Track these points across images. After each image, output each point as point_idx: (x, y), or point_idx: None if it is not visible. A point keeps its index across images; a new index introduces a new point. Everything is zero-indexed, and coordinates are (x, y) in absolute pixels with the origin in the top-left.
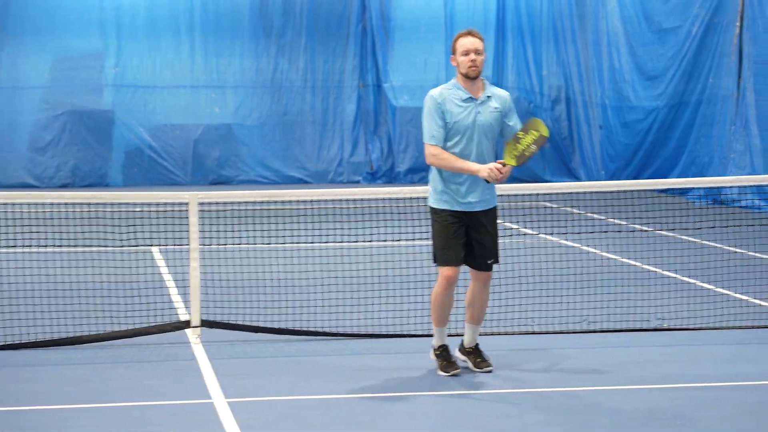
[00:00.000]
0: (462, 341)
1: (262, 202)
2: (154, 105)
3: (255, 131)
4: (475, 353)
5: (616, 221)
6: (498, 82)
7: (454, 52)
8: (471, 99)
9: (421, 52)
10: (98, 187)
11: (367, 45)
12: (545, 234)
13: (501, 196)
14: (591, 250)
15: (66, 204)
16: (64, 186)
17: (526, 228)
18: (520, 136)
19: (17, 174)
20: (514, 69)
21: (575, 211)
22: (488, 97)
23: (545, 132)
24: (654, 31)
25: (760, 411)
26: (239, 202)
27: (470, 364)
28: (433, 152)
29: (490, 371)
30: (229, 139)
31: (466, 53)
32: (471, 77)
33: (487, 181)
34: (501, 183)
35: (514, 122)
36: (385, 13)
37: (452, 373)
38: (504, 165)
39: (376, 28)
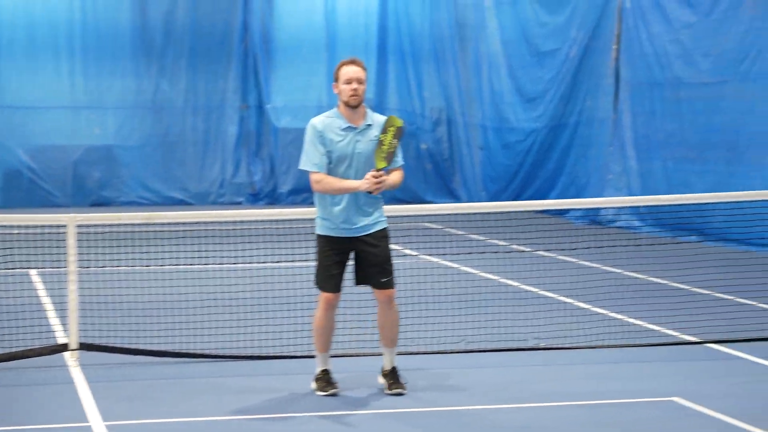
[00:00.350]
0: (382, 365)
1: (142, 224)
2: (33, 126)
3: (136, 152)
4: (390, 376)
5: (497, 242)
6: (380, 104)
7: (336, 80)
8: (351, 128)
9: (303, 74)
10: None
11: (249, 66)
12: (426, 255)
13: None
14: (471, 270)
15: None
16: None
17: (406, 249)
18: (382, 138)
19: None
20: (395, 90)
21: (456, 231)
22: (368, 125)
23: (400, 123)
24: (533, 54)
25: (633, 430)
26: (119, 224)
27: (385, 387)
28: (316, 179)
29: (400, 394)
30: (110, 161)
31: (349, 82)
32: (352, 106)
33: (371, 193)
34: (393, 190)
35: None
36: (267, 35)
37: (330, 392)
38: (378, 171)
39: (258, 49)
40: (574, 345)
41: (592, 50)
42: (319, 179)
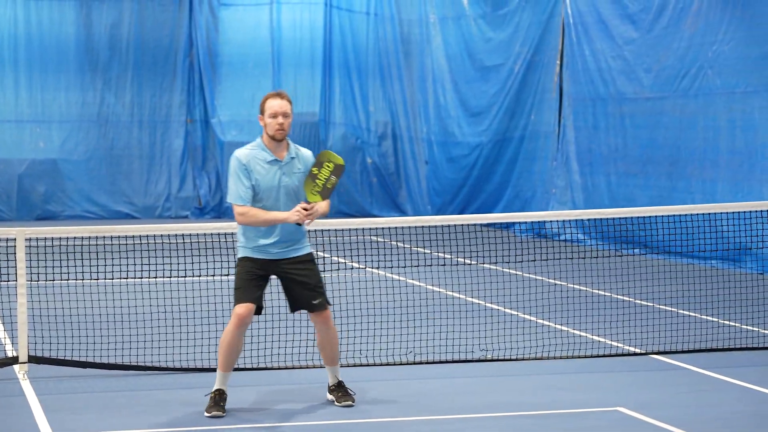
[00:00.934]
0: (328, 382)
1: (89, 237)
2: None
3: (81, 166)
4: (337, 389)
5: (442, 255)
6: (325, 118)
7: (262, 112)
8: (275, 161)
9: (249, 88)
10: None
11: (194, 80)
12: (371, 268)
13: (329, 231)
14: (417, 283)
15: None
16: None
17: (353, 262)
18: (315, 172)
19: None
20: (341, 105)
21: (403, 245)
22: (292, 158)
23: (340, 161)
24: (477, 69)
25: None
26: (66, 237)
27: (334, 401)
28: (240, 212)
29: (350, 405)
30: (55, 174)
31: (274, 116)
32: (277, 140)
33: (299, 224)
34: (320, 218)
35: None
36: (212, 49)
37: (214, 414)
38: (309, 203)
39: (203, 63)
40: (521, 357)
41: (535, 65)
42: (244, 212)
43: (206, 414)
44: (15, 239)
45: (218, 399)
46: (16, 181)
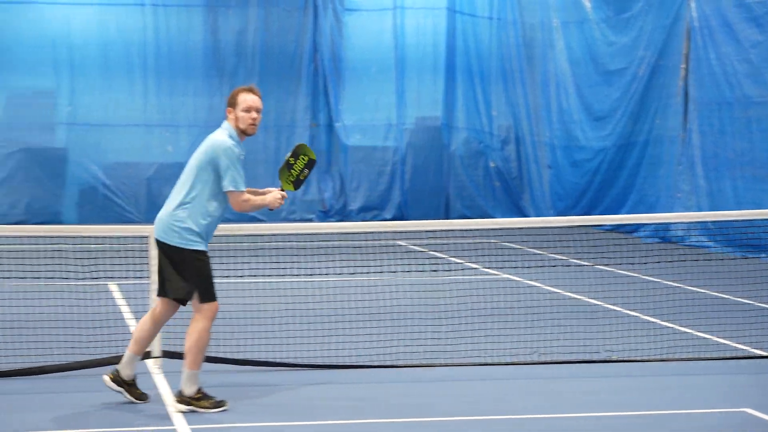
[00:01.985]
0: (116, 370)
1: (223, 236)
2: (107, 143)
3: None
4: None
5: (566, 258)
6: (448, 123)
7: (233, 105)
8: (241, 154)
9: (372, 92)
10: (52, 224)
11: (318, 85)
12: (495, 270)
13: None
14: (538, 284)
15: (21, 239)
16: (17, 223)
17: (475, 264)
18: (291, 162)
19: None
20: (463, 109)
21: (526, 248)
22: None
23: (313, 156)
24: (600, 73)
25: None
26: None
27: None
28: (245, 198)
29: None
30: None
31: (248, 110)
32: (248, 134)
33: (270, 209)
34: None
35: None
36: (336, 54)
37: (226, 406)
38: (283, 191)
39: (327, 68)
40: (645, 358)
41: (660, 69)
42: (247, 198)
43: (220, 408)
44: (148, 237)
45: (210, 396)
46: (144, 185)
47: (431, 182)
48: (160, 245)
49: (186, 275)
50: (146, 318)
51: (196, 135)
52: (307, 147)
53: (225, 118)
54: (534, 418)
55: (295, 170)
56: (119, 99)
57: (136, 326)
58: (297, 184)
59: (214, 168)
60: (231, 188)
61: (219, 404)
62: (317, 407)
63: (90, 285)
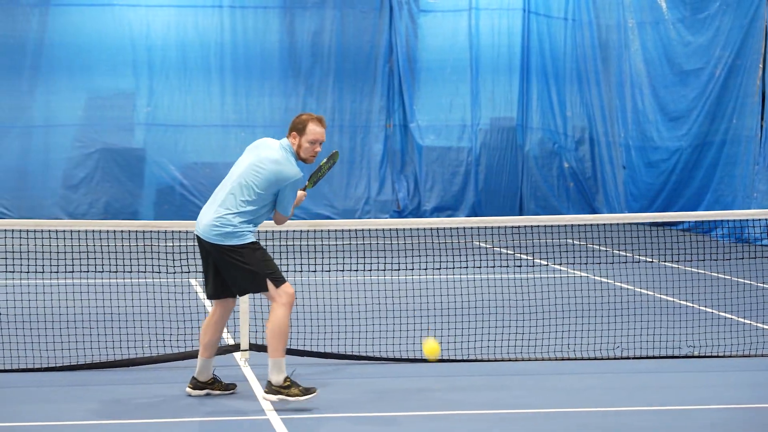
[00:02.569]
0: (194, 377)
1: (309, 231)
2: (185, 144)
3: None
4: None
5: (643, 257)
6: (523, 123)
7: (299, 132)
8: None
9: (447, 93)
10: (110, 221)
11: (393, 86)
12: (571, 268)
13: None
14: (613, 282)
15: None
16: (76, 220)
17: (556, 264)
18: (322, 165)
19: (51, 211)
20: (538, 110)
21: (599, 247)
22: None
23: (336, 157)
24: (676, 73)
25: None
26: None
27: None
28: (289, 216)
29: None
30: None
31: (314, 142)
32: (307, 164)
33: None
34: None
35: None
36: (411, 55)
37: (317, 392)
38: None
39: (402, 69)
40: (727, 354)
41: (737, 69)
42: (289, 214)
43: (311, 395)
44: None
45: (297, 383)
46: None
47: (505, 182)
48: (215, 247)
49: (252, 267)
50: (207, 323)
51: (272, 135)
52: (336, 154)
53: (287, 135)
54: (616, 411)
55: (322, 173)
56: (197, 100)
57: (200, 334)
58: (315, 182)
59: (276, 191)
60: (281, 212)
61: (308, 391)
62: (405, 399)
63: (172, 281)
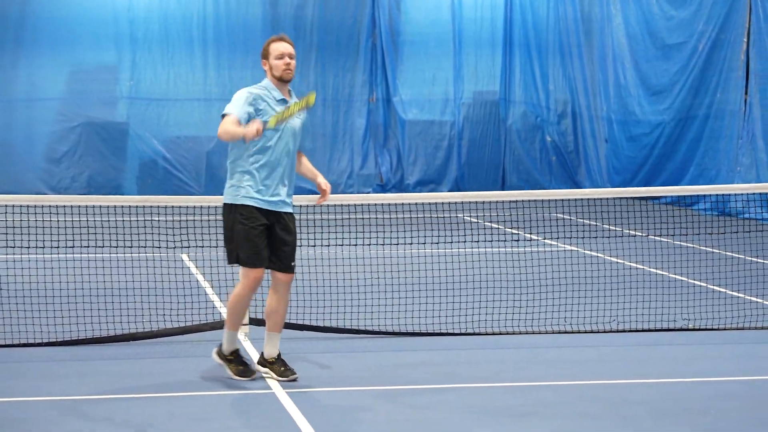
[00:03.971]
0: (262, 353)
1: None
2: (168, 117)
3: None
4: (279, 362)
5: (629, 231)
6: (505, 97)
7: (266, 57)
8: (284, 101)
9: (430, 67)
10: (105, 196)
11: (376, 60)
12: (561, 243)
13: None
14: (604, 256)
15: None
16: (70, 195)
17: (536, 236)
18: (291, 105)
19: (33, 184)
20: (521, 83)
21: (585, 221)
22: (295, 102)
23: (312, 101)
24: (658, 47)
25: None
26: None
27: (274, 375)
28: (223, 122)
29: (295, 380)
30: None
31: (281, 56)
32: (285, 80)
33: (245, 141)
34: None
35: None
36: (394, 29)
37: (251, 377)
38: (266, 126)
39: (385, 43)
40: (722, 327)
41: (721, 43)
42: (229, 120)
43: (244, 378)
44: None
45: (241, 360)
46: (204, 158)
47: (488, 156)
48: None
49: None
50: (270, 293)
51: None
52: (313, 95)
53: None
54: (612, 384)
55: (290, 112)
56: (180, 73)
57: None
58: (281, 121)
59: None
60: (223, 112)
61: (243, 373)
62: (408, 372)
63: (164, 256)
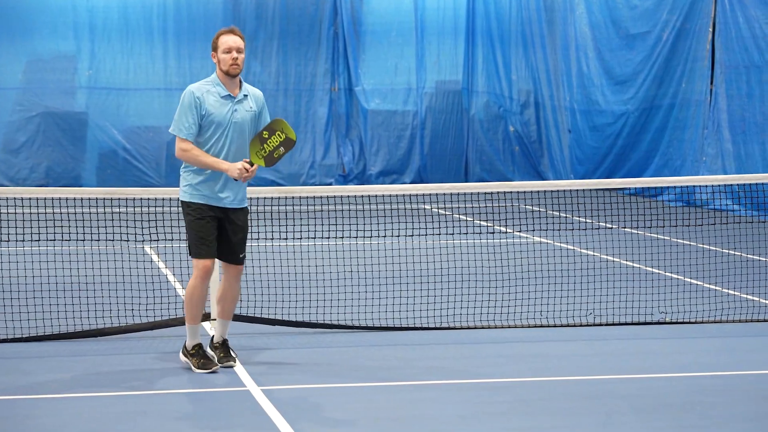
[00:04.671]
0: (212, 337)
1: (278, 198)
2: (127, 107)
3: None
4: (221, 348)
5: (586, 220)
6: (468, 86)
7: (215, 49)
8: (229, 96)
9: (392, 56)
10: (73, 188)
11: (339, 49)
12: (529, 234)
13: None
14: (574, 248)
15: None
16: (38, 187)
17: (505, 227)
18: (265, 137)
19: None
20: (483, 73)
21: (551, 212)
22: (245, 96)
23: (292, 135)
24: (622, 37)
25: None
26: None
27: (215, 359)
28: (183, 147)
29: (232, 366)
30: None
31: (228, 51)
32: (232, 75)
33: (235, 179)
34: (249, 181)
35: (266, 121)
36: (356, 18)
37: (212, 369)
38: (251, 164)
39: (347, 32)
40: (699, 320)
41: (686, 33)
42: (187, 148)
43: (204, 371)
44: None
45: (203, 353)
46: (165, 149)
47: (451, 146)
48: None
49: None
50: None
51: None
52: (286, 125)
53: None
54: (594, 379)
55: (269, 146)
56: (139, 63)
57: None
58: (270, 160)
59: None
60: (171, 131)
61: (205, 366)
62: (385, 368)
63: (127, 248)
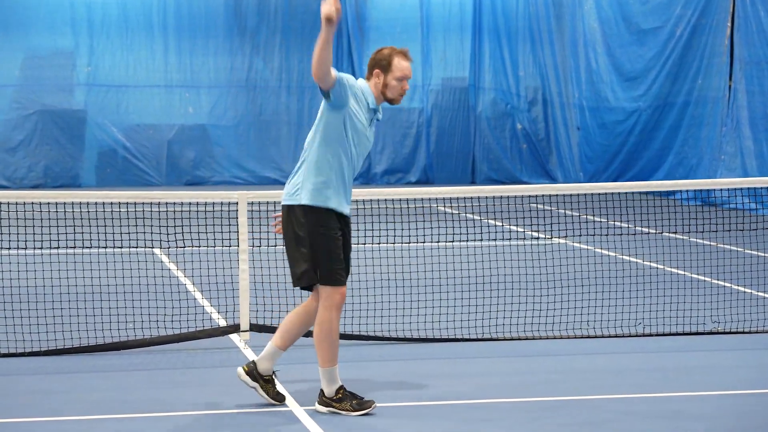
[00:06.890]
0: (253, 363)
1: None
2: (127, 105)
3: (230, 131)
4: (273, 381)
5: (612, 222)
6: (475, 83)
7: (384, 69)
8: (375, 110)
9: None
10: (71, 187)
11: (342, 45)
12: (558, 239)
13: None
14: (598, 250)
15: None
16: (36, 187)
17: (535, 232)
18: None
19: None
20: (490, 70)
21: (562, 211)
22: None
23: None
24: (632, 32)
25: None
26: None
27: (263, 393)
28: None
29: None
30: (204, 140)
31: (402, 79)
32: (394, 104)
33: (330, 22)
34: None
35: None
36: (360, 14)
37: (373, 405)
38: None
39: (351, 28)
40: (753, 330)
41: (702, 28)
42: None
43: (366, 410)
44: (237, 203)
45: (352, 393)
46: (165, 147)
47: (457, 144)
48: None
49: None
50: (299, 310)
51: (217, 96)
52: None
53: (365, 76)
54: (651, 397)
55: None
56: (139, 59)
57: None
58: None
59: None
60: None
61: (362, 405)
62: (424, 385)
63: (132, 252)
